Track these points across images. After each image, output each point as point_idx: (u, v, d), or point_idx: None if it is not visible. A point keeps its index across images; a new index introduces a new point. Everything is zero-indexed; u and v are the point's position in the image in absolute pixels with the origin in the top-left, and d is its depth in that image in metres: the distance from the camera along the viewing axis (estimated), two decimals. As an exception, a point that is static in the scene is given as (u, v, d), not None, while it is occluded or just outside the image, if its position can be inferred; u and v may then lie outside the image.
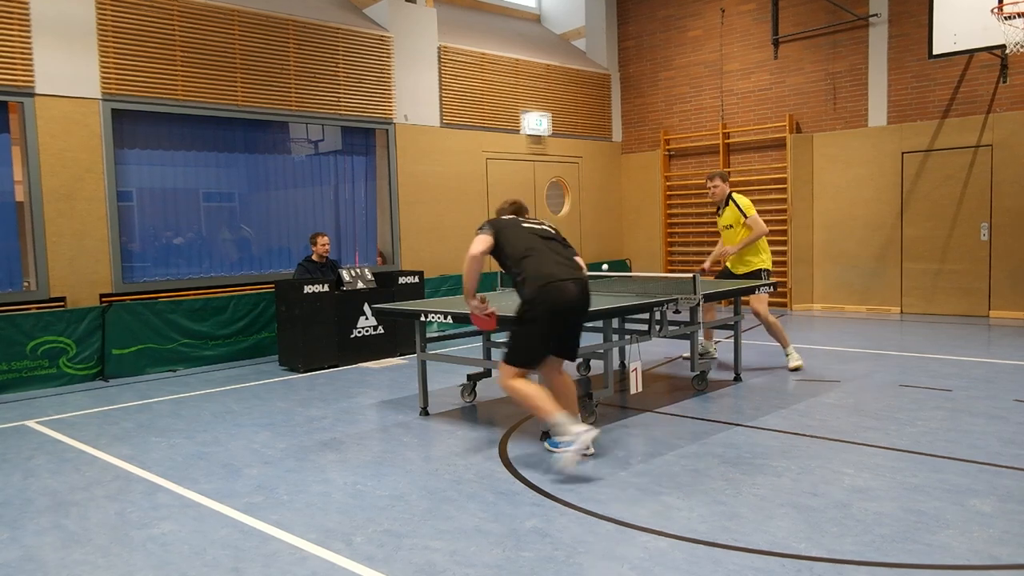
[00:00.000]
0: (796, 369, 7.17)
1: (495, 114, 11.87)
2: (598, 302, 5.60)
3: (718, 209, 7.64)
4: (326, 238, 8.85)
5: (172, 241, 8.95)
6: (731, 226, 7.44)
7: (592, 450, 4.64)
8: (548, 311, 4.49)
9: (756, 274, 7.37)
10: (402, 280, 9.12)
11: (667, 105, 13.30)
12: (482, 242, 4.62)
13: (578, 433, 4.31)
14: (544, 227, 4.88)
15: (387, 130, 10.56)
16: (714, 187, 7.52)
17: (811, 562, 3.20)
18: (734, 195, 7.48)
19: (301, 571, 3.29)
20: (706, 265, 7.86)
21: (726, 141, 12.55)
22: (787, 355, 7.29)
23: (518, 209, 5.14)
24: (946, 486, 4.04)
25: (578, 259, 4.81)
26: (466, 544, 3.50)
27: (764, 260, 7.42)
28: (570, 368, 7.52)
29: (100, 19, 8.05)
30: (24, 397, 7.10)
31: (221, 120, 9.12)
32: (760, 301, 7.23)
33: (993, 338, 8.70)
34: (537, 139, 12.45)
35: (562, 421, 4.34)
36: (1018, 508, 3.71)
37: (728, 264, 7.60)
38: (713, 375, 6.79)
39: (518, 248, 4.64)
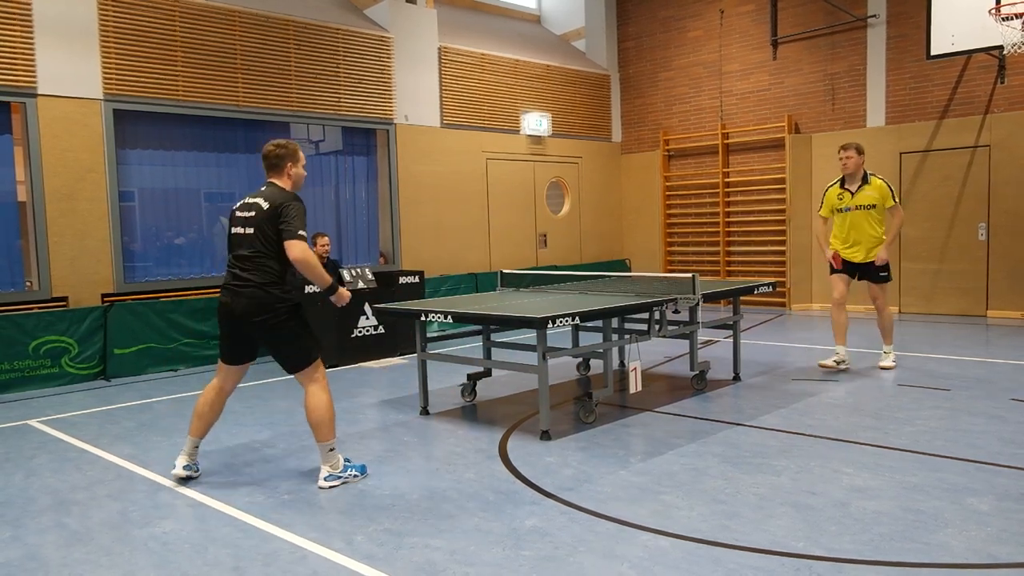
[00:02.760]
0: (886, 368, 7.05)
1: (495, 114, 11.89)
2: (598, 302, 5.62)
3: (842, 183, 7.09)
4: (326, 238, 8.86)
5: (173, 241, 8.96)
6: (874, 206, 6.93)
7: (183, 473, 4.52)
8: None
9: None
10: (402, 280, 9.13)
11: (667, 105, 13.31)
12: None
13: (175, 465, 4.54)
14: (249, 214, 4.35)
15: (387, 130, 10.57)
16: (847, 157, 6.95)
17: (810, 561, 3.22)
18: (872, 174, 7.02)
19: (302, 570, 3.31)
20: (831, 255, 7.20)
21: (725, 141, 12.56)
22: (885, 352, 7.20)
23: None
24: (944, 485, 4.06)
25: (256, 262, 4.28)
26: (466, 543, 3.52)
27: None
28: (570, 368, 7.54)
29: (102, 20, 8.07)
30: (26, 396, 7.12)
31: (221, 120, 9.14)
32: (884, 289, 7.05)
33: (991, 338, 8.72)
34: (537, 139, 12.47)
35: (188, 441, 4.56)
36: (1016, 507, 3.73)
37: (852, 255, 7.04)
38: (712, 375, 6.80)
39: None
